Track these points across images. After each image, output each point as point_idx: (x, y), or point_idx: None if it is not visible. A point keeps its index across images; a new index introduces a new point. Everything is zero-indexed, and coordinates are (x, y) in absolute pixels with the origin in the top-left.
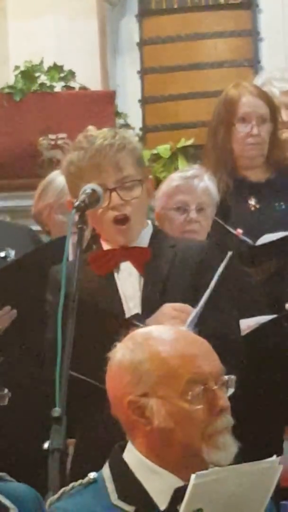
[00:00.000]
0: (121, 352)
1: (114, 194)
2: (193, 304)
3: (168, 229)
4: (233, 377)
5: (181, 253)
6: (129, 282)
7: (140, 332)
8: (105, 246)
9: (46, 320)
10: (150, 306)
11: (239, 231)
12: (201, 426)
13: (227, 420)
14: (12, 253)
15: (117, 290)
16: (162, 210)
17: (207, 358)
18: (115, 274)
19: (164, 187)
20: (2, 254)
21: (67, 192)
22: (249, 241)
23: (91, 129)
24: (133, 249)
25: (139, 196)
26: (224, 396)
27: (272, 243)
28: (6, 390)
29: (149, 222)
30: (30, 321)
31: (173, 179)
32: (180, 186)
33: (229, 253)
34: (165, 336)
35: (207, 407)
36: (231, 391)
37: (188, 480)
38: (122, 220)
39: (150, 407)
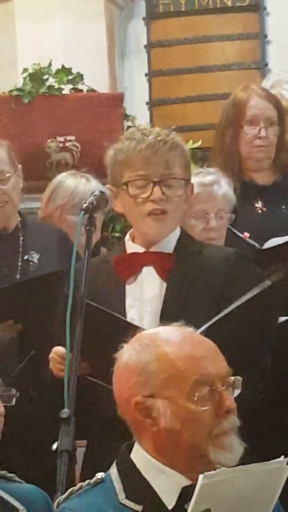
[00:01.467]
0: (128, 353)
1: (156, 187)
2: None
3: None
4: (239, 378)
5: (206, 261)
6: (150, 287)
7: (147, 333)
8: (130, 249)
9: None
10: (170, 313)
11: (246, 234)
12: (207, 427)
13: (233, 421)
14: (36, 257)
15: (123, 300)
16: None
17: (213, 359)
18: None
19: None
20: (26, 257)
21: (78, 193)
22: (256, 244)
23: (144, 125)
24: (157, 254)
25: (181, 195)
26: (231, 397)
27: (278, 246)
28: (13, 390)
29: (178, 226)
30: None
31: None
32: (199, 195)
33: (267, 283)
34: (172, 338)
35: (213, 408)
36: (237, 392)
37: (195, 479)
38: (159, 214)
39: (157, 408)
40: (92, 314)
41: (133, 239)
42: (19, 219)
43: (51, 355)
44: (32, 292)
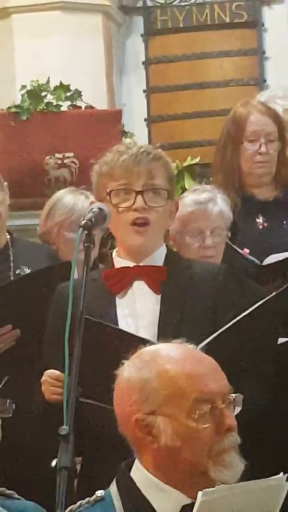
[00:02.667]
0: (128, 370)
1: (139, 196)
2: (212, 328)
3: (184, 253)
4: (240, 395)
5: (197, 275)
6: (143, 301)
7: (147, 350)
8: (118, 264)
9: (44, 339)
10: (167, 326)
11: (246, 250)
12: (207, 444)
13: (234, 438)
14: (27, 271)
15: (115, 314)
16: (177, 234)
17: (214, 377)
18: (122, 295)
19: (178, 211)
20: (17, 271)
21: (76, 210)
22: (256, 261)
23: (129, 140)
24: (148, 268)
25: (164, 206)
26: (231, 415)
27: (279, 262)
28: (8, 402)
29: (163, 243)
30: (33, 340)
31: (187, 205)
32: (194, 212)
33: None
34: (173, 355)
35: (214, 426)
36: (238, 409)
37: (195, 497)
38: (142, 224)
39: (157, 426)
40: (91, 331)
41: (120, 255)
42: (8, 236)
43: (44, 378)
44: (28, 290)
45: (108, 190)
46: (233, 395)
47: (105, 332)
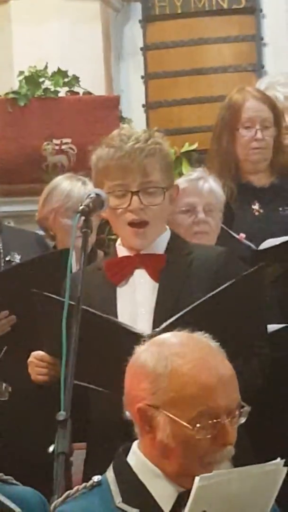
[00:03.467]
0: (145, 356)
1: (135, 197)
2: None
3: (178, 232)
4: (247, 408)
5: (197, 261)
6: (142, 289)
7: (169, 343)
8: (121, 253)
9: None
10: (163, 314)
11: (242, 235)
12: (201, 453)
13: (228, 452)
14: (17, 258)
15: (115, 303)
16: (170, 215)
17: (225, 390)
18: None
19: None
20: (7, 258)
21: (72, 196)
22: (252, 245)
23: (126, 128)
24: (148, 256)
25: (160, 203)
26: (233, 431)
27: (275, 247)
28: (4, 385)
29: (167, 227)
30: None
31: (178, 183)
32: (186, 189)
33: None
34: (192, 357)
35: (212, 437)
36: (242, 420)
37: (185, 486)
38: (139, 224)
39: (158, 421)
40: (88, 320)
41: (123, 245)
42: None
43: (30, 359)
44: (27, 276)
45: (105, 191)
46: (242, 409)
47: (93, 320)
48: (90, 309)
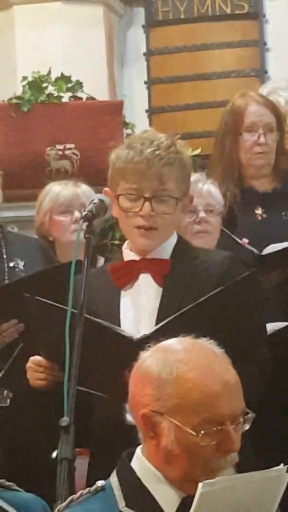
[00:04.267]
0: (150, 361)
1: (147, 203)
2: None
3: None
4: (251, 415)
5: (201, 266)
6: (146, 294)
7: (173, 349)
8: (127, 257)
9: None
10: (165, 318)
11: (245, 240)
12: (205, 460)
13: (232, 458)
14: (21, 264)
15: (118, 307)
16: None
17: (230, 397)
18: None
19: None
20: (11, 264)
21: (63, 195)
22: (255, 250)
23: (150, 131)
24: (153, 261)
25: (171, 213)
26: (237, 438)
27: (278, 252)
28: (5, 391)
29: (174, 232)
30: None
31: None
32: None
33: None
34: (197, 364)
35: (217, 444)
36: (246, 427)
37: (189, 492)
38: (148, 229)
39: (162, 427)
40: (88, 326)
41: (130, 247)
42: None
43: (28, 364)
44: (34, 288)
45: (118, 193)
46: (246, 416)
47: (91, 326)
48: (88, 317)
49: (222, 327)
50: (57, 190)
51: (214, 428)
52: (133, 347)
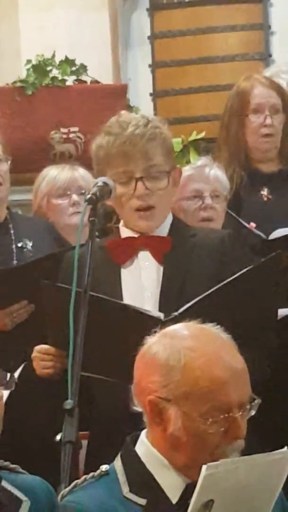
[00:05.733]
0: (157, 347)
1: (140, 183)
2: None
3: (184, 220)
4: (258, 401)
5: (201, 243)
6: (147, 272)
7: (181, 335)
8: (124, 234)
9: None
10: (168, 297)
11: (252, 224)
12: (212, 446)
13: (238, 445)
14: (29, 244)
15: (119, 285)
16: (176, 201)
17: (237, 384)
18: (128, 265)
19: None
20: (20, 244)
21: (60, 178)
22: (262, 235)
23: (124, 114)
24: (153, 238)
25: (165, 187)
26: (244, 425)
27: (285, 237)
28: (10, 375)
29: (169, 212)
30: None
31: (185, 170)
32: (192, 175)
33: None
34: (205, 351)
35: (224, 431)
36: (252, 412)
37: (193, 478)
38: (145, 209)
39: (169, 414)
40: (100, 306)
41: (126, 226)
42: (6, 211)
43: (33, 354)
44: (44, 270)
45: None
46: (253, 402)
47: (107, 307)
48: (103, 296)
49: (244, 309)
50: (54, 173)
51: (222, 416)
52: (162, 327)
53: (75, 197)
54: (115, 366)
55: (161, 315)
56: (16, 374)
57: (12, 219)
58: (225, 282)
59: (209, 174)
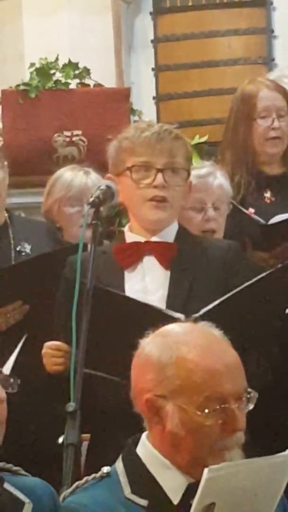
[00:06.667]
0: (150, 347)
1: (159, 174)
2: None
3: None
4: (255, 393)
5: (208, 250)
6: (153, 277)
7: (174, 332)
8: (129, 239)
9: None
10: (175, 301)
11: (251, 210)
12: (211, 440)
13: (238, 438)
14: (28, 248)
15: (122, 288)
16: (182, 209)
17: (232, 375)
18: (132, 270)
19: None
20: (18, 248)
21: (74, 185)
22: (261, 220)
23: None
24: (159, 244)
25: (182, 185)
26: (242, 417)
27: (284, 222)
28: (13, 378)
29: (176, 220)
30: (42, 316)
31: None
32: (195, 185)
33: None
34: (196, 345)
35: (222, 424)
36: (250, 406)
37: (197, 478)
38: (160, 201)
39: (166, 411)
40: (101, 300)
41: (132, 230)
42: (6, 214)
43: (44, 350)
44: (39, 270)
45: (128, 165)
46: (248, 394)
47: (116, 301)
48: (123, 294)
49: (260, 313)
50: (68, 179)
51: (218, 407)
52: None
53: (86, 208)
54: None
55: (181, 316)
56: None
57: (12, 222)
58: (243, 286)
59: (212, 184)
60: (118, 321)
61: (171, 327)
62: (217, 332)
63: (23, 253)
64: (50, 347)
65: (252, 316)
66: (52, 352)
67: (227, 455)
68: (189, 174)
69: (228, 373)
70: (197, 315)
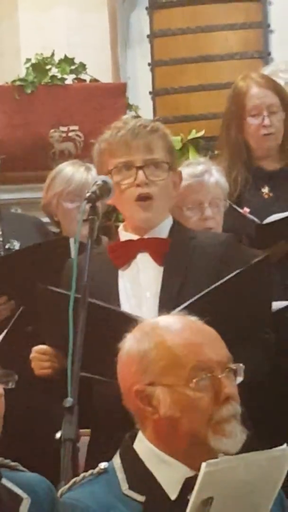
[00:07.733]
0: (128, 343)
1: (140, 172)
2: None
3: None
4: (241, 365)
5: (201, 245)
6: (146, 273)
7: (148, 322)
8: (123, 237)
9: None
10: (168, 298)
11: (246, 210)
12: (206, 414)
13: (233, 408)
14: (17, 245)
15: (116, 286)
16: (175, 208)
17: (213, 346)
18: (126, 267)
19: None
20: (7, 246)
21: (74, 180)
22: (256, 219)
23: (129, 116)
24: (151, 240)
25: (165, 178)
26: (231, 384)
27: (279, 221)
28: (10, 373)
29: (170, 215)
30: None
31: (184, 179)
32: (191, 185)
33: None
34: (172, 325)
35: (212, 395)
36: (239, 379)
37: (197, 469)
38: (145, 198)
39: (157, 396)
40: (90, 310)
41: (126, 229)
42: None
43: (32, 354)
44: (28, 261)
45: (110, 168)
46: (234, 365)
47: (97, 311)
48: (93, 300)
49: (237, 309)
50: (69, 174)
51: (204, 375)
52: None
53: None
54: (109, 367)
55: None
56: None
57: (2, 219)
58: (218, 283)
59: (208, 182)
60: (90, 326)
61: (147, 320)
62: (194, 318)
63: (12, 251)
64: (37, 351)
65: (231, 312)
66: (39, 356)
67: (227, 427)
68: (171, 166)
69: (209, 343)
70: (174, 311)
